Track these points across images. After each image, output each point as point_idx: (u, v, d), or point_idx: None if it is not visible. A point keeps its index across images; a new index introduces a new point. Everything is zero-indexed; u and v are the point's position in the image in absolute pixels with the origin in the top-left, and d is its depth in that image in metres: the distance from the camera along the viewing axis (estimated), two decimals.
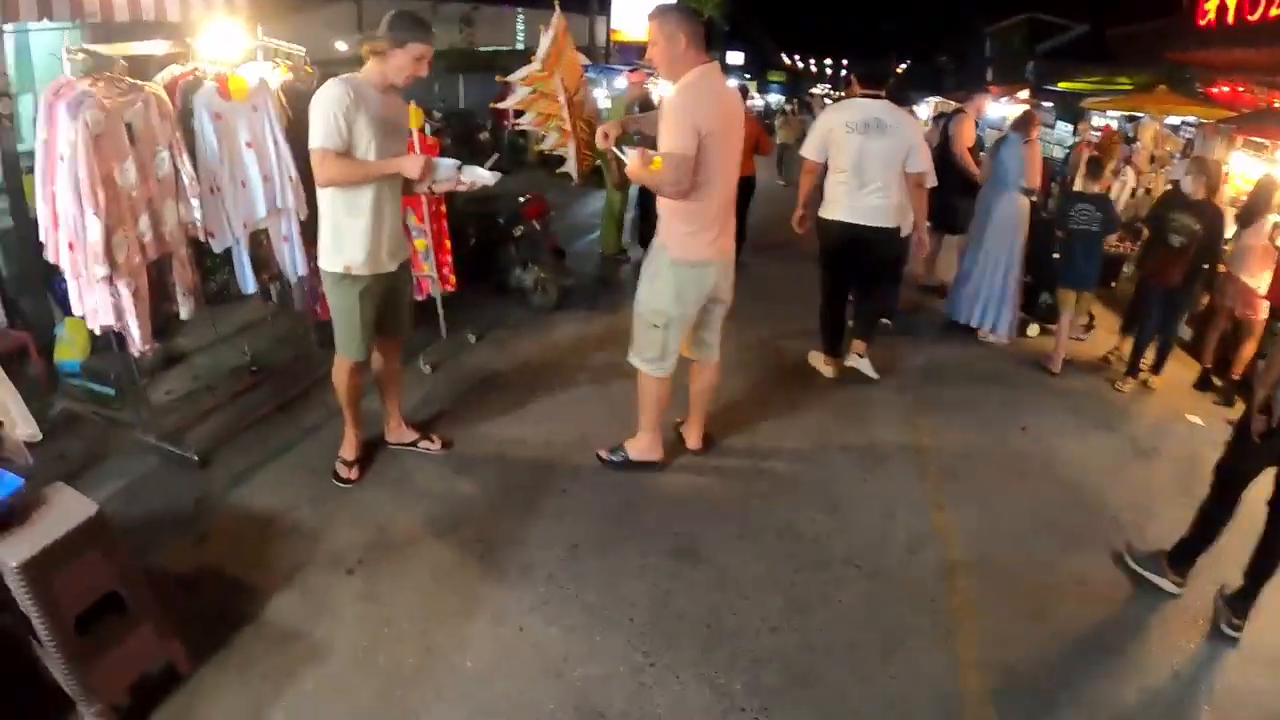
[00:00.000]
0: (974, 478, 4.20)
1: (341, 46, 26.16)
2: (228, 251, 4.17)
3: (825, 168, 4.89)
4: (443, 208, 5.49)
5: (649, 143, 3.49)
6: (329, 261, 3.30)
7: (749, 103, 14.24)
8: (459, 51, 19.34)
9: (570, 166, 6.81)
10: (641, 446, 3.96)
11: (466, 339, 5.61)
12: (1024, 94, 19.30)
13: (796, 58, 50.39)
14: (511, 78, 6.62)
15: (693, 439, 4.19)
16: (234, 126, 3.96)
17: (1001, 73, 24.07)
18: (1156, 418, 5.20)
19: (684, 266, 3.45)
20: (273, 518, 3.45)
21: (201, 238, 3.89)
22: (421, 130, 4.97)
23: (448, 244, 5.59)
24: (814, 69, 52.02)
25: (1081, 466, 4.40)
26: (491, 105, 8.17)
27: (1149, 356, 5.59)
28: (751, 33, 39.62)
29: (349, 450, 3.80)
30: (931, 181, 4.84)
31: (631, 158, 3.20)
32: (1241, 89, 9.27)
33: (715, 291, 3.59)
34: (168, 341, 4.87)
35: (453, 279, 5.67)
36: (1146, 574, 3.37)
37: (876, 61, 5.98)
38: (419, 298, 5.52)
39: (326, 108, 3.00)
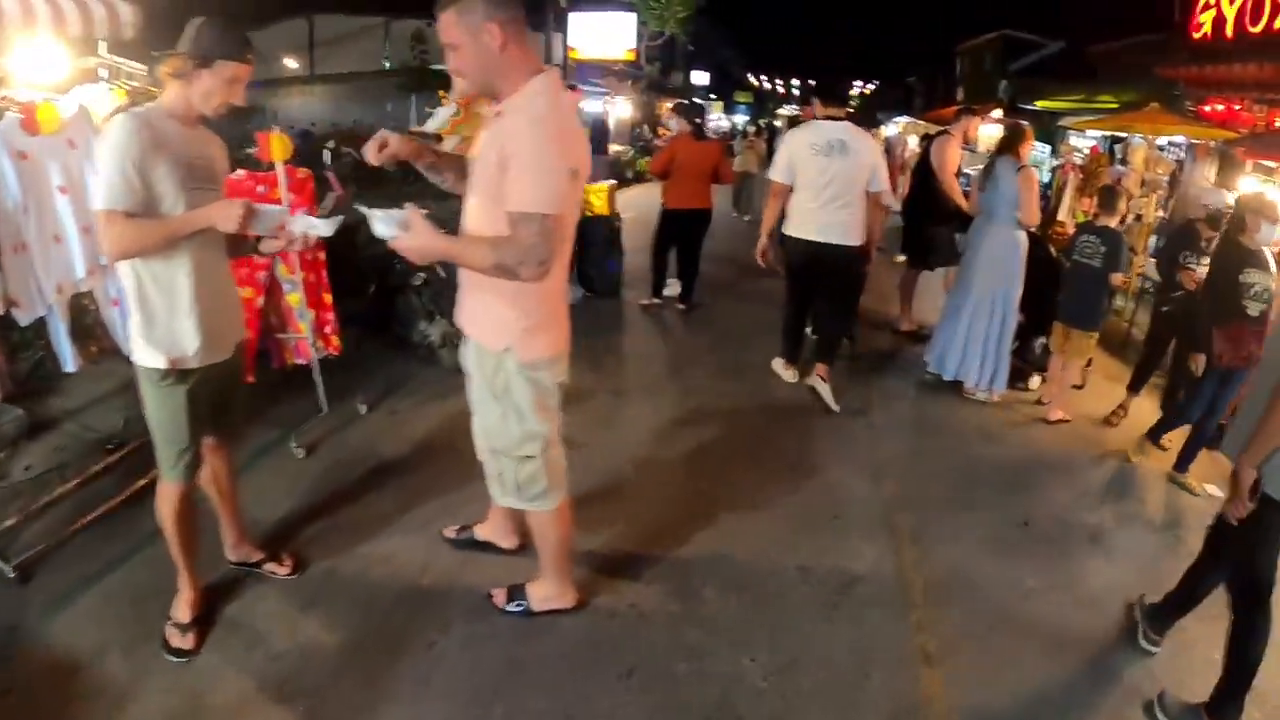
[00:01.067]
0: (973, 608, 3.23)
1: (292, 65, 25.55)
2: (41, 322, 3.50)
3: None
4: (321, 254, 4.52)
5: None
6: (143, 355, 2.46)
7: (711, 123, 13.26)
8: (411, 70, 18.46)
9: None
10: (547, 594, 2.96)
11: (356, 409, 4.65)
12: (997, 113, 18.65)
13: (764, 78, 49.93)
14: (429, 127, 5.79)
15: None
16: (43, 168, 3.27)
17: (973, 92, 23.56)
18: (1188, 507, 4.26)
19: (543, 368, 2.49)
20: (81, 667, 2.61)
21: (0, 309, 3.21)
22: (289, 163, 4.02)
23: (328, 298, 4.63)
24: (781, 89, 51.45)
25: (1104, 583, 3.46)
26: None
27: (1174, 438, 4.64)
28: (716, 52, 38.89)
29: (184, 609, 2.77)
30: (889, 201, 5.12)
31: (398, 226, 2.14)
32: (1238, 107, 8.52)
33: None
34: (42, 401, 4.25)
35: (335, 340, 4.70)
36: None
37: (836, 83, 6.34)
38: (298, 361, 4.57)
39: (112, 155, 2.21)
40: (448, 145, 5.28)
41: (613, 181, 7.32)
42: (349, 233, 4.11)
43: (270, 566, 3.10)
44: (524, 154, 2.08)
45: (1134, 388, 5.24)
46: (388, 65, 21.73)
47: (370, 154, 2.33)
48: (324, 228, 2.48)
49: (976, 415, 5.19)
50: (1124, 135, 11.47)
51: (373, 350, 5.36)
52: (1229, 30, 8.06)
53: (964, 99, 24.18)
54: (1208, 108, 9.09)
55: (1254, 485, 2.42)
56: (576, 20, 20.52)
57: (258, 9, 25.95)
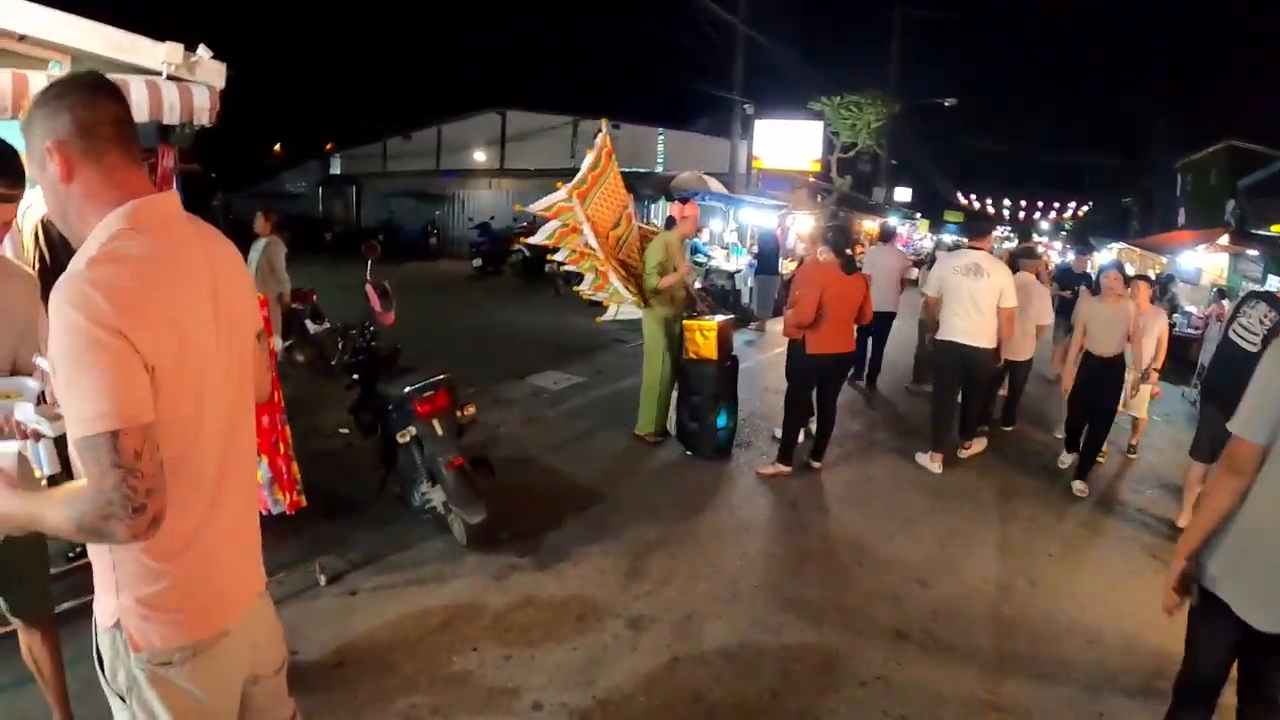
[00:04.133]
0: None
1: (481, 157, 26.50)
2: None
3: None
4: (276, 392, 3.48)
5: None
6: None
7: (899, 243, 11.43)
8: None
9: (614, 314, 5.90)
10: None
11: (314, 577, 3.59)
12: (1223, 239, 15.67)
13: (973, 197, 47.32)
14: (534, 207, 5.66)
15: None
16: None
17: (1195, 213, 20.40)
18: None
19: (177, 665, 1.44)
20: None
21: None
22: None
23: (285, 446, 3.54)
24: (992, 209, 48.31)
25: None
26: (521, 240, 6.37)
27: None
28: (923, 168, 36.99)
29: None
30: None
31: None
32: None
33: (253, 668, 1.63)
34: None
35: (295, 495, 3.61)
36: None
37: (977, 221, 8.36)
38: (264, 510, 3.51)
39: None
40: (551, 228, 5.56)
41: (728, 316, 5.84)
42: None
43: None
44: (58, 346, 1.25)
45: None
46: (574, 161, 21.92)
47: None
48: (47, 427, 1.58)
49: None
50: None
51: (383, 498, 4.25)
52: None
53: (1185, 222, 21.09)
54: None
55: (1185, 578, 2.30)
56: (762, 128, 19.73)
57: (456, 101, 27.59)
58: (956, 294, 5.62)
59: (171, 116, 3.19)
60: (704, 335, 5.53)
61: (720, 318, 5.68)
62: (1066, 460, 5.98)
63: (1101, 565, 4.54)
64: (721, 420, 5.63)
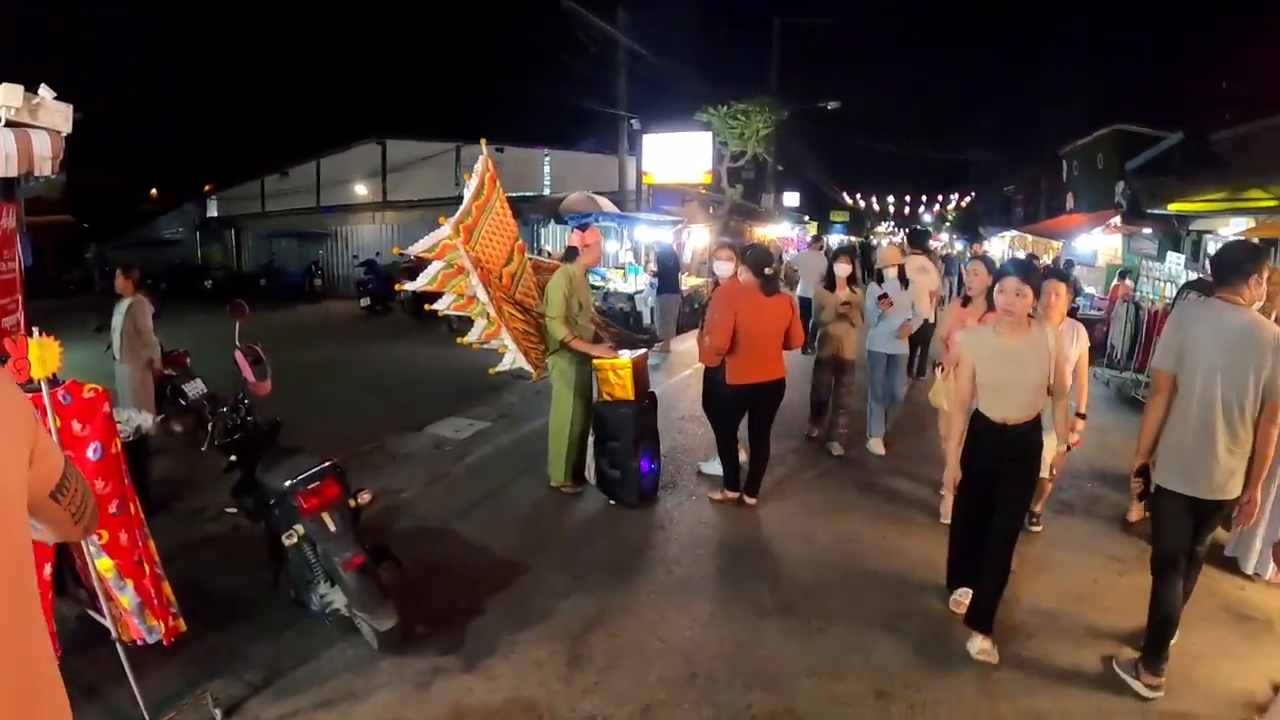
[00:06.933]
0: None
1: (362, 190, 25.50)
2: None
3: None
4: (133, 504, 3.00)
5: None
6: None
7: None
8: None
9: (511, 363, 5.19)
10: None
11: (208, 711, 3.07)
12: (1116, 220, 16.45)
13: (858, 196, 48.76)
14: (414, 249, 4.94)
15: None
16: None
17: (1085, 197, 21.35)
18: None
19: None
20: None
21: None
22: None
23: (150, 566, 3.06)
24: (877, 207, 49.84)
25: None
26: (399, 286, 5.78)
27: None
28: (808, 171, 37.79)
29: None
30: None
31: None
32: None
33: None
34: None
35: (172, 620, 3.13)
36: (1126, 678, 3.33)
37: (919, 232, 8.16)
38: (133, 640, 3.05)
39: None
40: (433, 270, 4.87)
41: (640, 352, 5.44)
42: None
43: None
44: None
45: None
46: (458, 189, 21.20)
47: None
48: None
49: None
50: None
51: (278, 595, 3.76)
52: None
53: (1075, 206, 22.04)
54: None
55: (1143, 490, 3.38)
56: (651, 143, 19.52)
57: (333, 133, 26.40)
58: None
59: (9, 168, 2.75)
60: (617, 375, 5.15)
61: (633, 354, 5.29)
62: (961, 601, 3.95)
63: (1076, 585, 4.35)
64: (645, 464, 5.26)
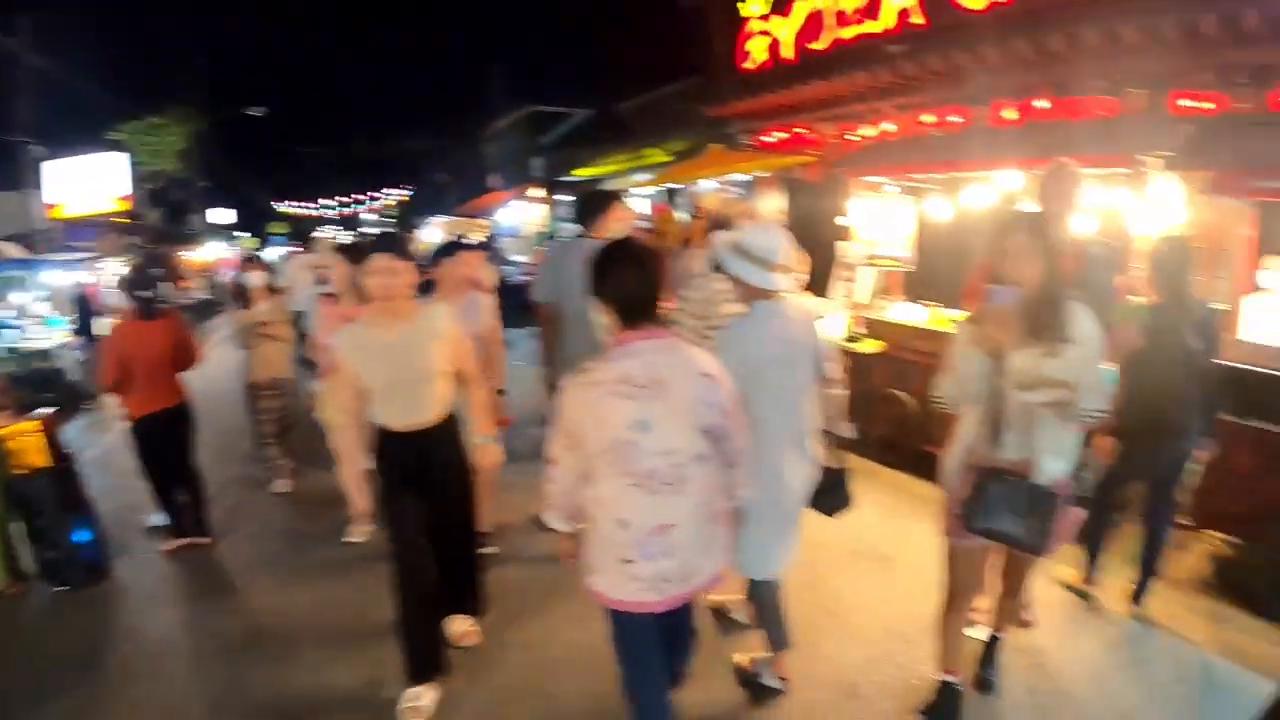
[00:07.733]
0: None
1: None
2: None
3: None
4: None
5: None
6: None
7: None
8: None
9: None
10: None
11: None
12: (534, 192, 18.04)
13: (298, 203, 46.45)
14: None
15: None
16: None
17: (507, 175, 23.02)
18: None
19: None
20: None
21: None
22: None
23: None
24: (317, 212, 48.01)
25: None
26: None
27: None
28: (240, 186, 34.80)
29: None
30: None
31: None
32: (801, 130, 8.01)
33: None
34: None
35: None
36: None
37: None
38: None
39: None
40: None
41: (46, 411, 4.62)
42: None
43: None
44: None
45: None
46: None
47: None
48: None
49: None
50: (677, 187, 10.99)
51: None
52: (789, 52, 7.49)
53: (504, 184, 23.62)
54: (767, 139, 8.56)
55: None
56: (54, 170, 15.89)
57: None
58: None
59: None
60: (23, 441, 4.32)
61: (37, 413, 4.53)
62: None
63: None
64: (81, 534, 4.44)
